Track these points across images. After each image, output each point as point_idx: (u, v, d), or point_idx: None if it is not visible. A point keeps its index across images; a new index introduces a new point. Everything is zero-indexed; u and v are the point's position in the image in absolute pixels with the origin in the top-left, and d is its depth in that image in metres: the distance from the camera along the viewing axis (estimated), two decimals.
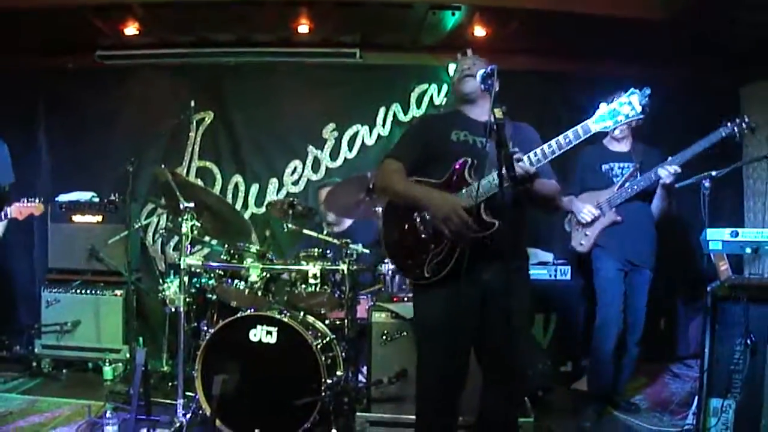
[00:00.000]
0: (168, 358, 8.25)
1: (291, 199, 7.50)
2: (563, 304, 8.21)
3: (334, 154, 9.70)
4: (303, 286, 6.68)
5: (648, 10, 7.73)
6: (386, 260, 6.48)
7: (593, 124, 4.45)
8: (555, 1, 7.80)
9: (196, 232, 6.52)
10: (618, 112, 4.43)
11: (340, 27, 9.03)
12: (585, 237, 7.14)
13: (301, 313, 6.81)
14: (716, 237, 6.05)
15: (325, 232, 7.58)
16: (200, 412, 6.33)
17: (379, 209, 6.58)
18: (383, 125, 9.63)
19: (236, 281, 6.74)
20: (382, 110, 9.60)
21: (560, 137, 4.50)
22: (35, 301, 8.88)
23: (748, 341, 5.90)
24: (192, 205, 6.34)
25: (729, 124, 6.25)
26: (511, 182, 4.22)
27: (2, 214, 7.23)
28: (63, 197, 8.82)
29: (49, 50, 9.42)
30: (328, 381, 6.09)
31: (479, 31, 8.38)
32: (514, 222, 4.63)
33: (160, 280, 7.90)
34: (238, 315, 6.38)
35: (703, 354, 6.11)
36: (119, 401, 6.88)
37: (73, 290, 8.52)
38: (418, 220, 4.70)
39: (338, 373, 6.46)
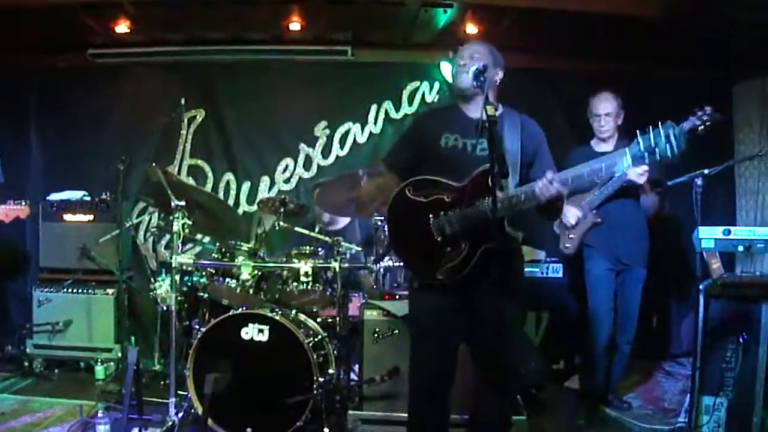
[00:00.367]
0: (160, 356, 8.24)
1: (283, 196, 7.48)
2: (555, 302, 8.24)
3: (326, 152, 9.70)
4: (295, 284, 6.65)
5: (641, 8, 7.72)
6: (380, 259, 6.47)
7: (630, 156, 4.50)
8: None
9: (187, 230, 6.50)
10: (655, 146, 4.40)
11: (332, 24, 9.02)
12: (570, 240, 7.16)
13: (293, 311, 6.79)
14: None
15: (317, 229, 7.56)
16: (192, 410, 6.30)
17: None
18: (375, 123, 9.63)
19: (228, 279, 6.72)
20: (373, 108, 9.61)
21: (595, 166, 4.59)
22: (27, 300, 8.84)
23: (740, 339, 5.93)
24: (183, 203, 6.33)
25: (691, 117, 6.23)
26: (540, 205, 4.42)
27: None
28: (54, 196, 8.81)
29: (40, 48, 9.41)
30: (320, 379, 6.07)
31: (471, 29, 8.36)
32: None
33: (152, 279, 7.89)
34: (230, 313, 6.36)
35: (695, 352, 6.13)
36: (111, 401, 6.86)
37: (65, 289, 8.49)
38: (432, 222, 4.66)
39: (330, 371, 6.45)
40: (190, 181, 9.39)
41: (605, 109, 7.01)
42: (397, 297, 6.37)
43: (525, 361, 7.08)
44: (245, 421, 6.08)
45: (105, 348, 8.31)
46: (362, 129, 9.66)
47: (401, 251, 4.99)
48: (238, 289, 6.69)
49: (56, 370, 8.35)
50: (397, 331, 6.20)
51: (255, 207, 9.41)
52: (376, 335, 6.25)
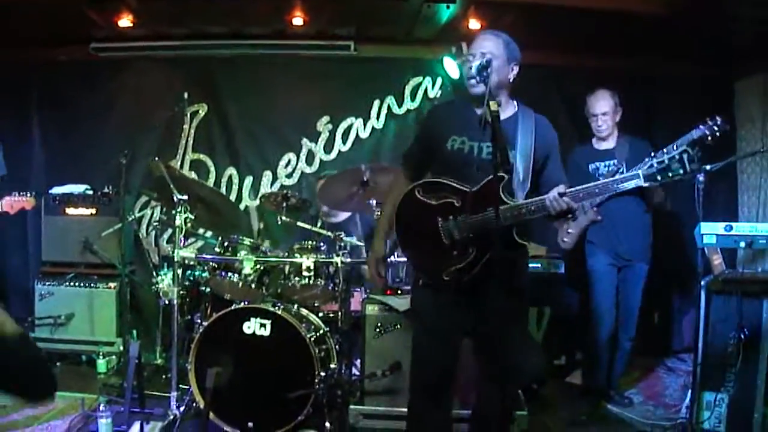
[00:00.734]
0: (162, 350, 8.25)
1: (285, 191, 7.49)
2: (557, 297, 8.24)
3: (328, 147, 9.70)
4: (297, 278, 6.67)
5: (644, 5, 7.73)
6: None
7: (643, 176, 4.45)
8: None
9: (189, 224, 6.50)
10: (669, 168, 4.33)
11: (335, 19, 9.01)
12: (568, 235, 7.16)
13: (295, 306, 6.80)
14: (710, 231, 6.07)
15: (319, 224, 7.57)
16: (194, 404, 6.32)
17: (374, 202, 6.61)
18: (377, 118, 9.63)
19: (230, 274, 6.73)
20: (376, 103, 9.61)
21: (608, 183, 4.59)
22: (29, 294, 8.84)
23: (741, 335, 5.93)
24: (185, 197, 6.34)
25: (701, 126, 6.24)
26: (551, 216, 4.43)
27: None
28: (56, 190, 8.81)
29: (43, 42, 9.40)
30: (322, 374, 6.07)
31: (474, 24, 8.34)
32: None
33: (154, 273, 7.91)
34: (232, 307, 6.37)
35: (696, 348, 6.14)
36: (113, 394, 6.86)
37: (67, 283, 8.49)
38: (441, 225, 4.66)
39: (332, 365, 6.47)
40: (193, 176, 9.39)
41: (602, 108, 7.00)
42: (399, 292, 6.38)
43: (527, 356, 7.10)
44: (247, 416, 6.08)
45: (107, 342, 8.31)
46: (365, 124, 9.67)
47: (408, 250, 4.96)
48: (240, 284, 6.71)
49: (58, 364, 8.35)
50: (398, 326, 6.22)
51: (257, 201, 9.43)
52: (377, 330, 6.27)
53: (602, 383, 7.20)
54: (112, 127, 9.63)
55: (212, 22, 9.11)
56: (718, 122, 6.19)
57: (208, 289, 7.13)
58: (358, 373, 6.61)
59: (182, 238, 6.42)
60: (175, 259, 6.36)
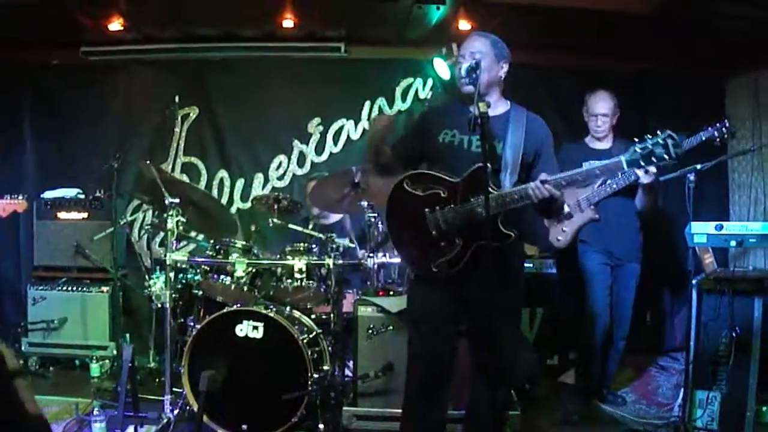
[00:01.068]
0: (155, 354, 8.24)
1: (276, 193, 7.50)
2: (549, 297, 8.26)
3: (319, 149, 9.72)
4: (289, 280, 6.68)
5: (635, 5, 7.74)
6: (371, 254, 6.49)
7: (625, 162, 4.50)
8: None
9: (181, 227, 6.50)
10: (651, 153, 4.38)
11: (325, 21, 9.03)
12: (562, 233, 7.16)
13: (287, 308, 6.80)
14: (701, 230, 6.10)
15: (311, 226, 7.57)
16: (188, 408, 6.33)
17: (365, 203, 6.63)
18: (368, 119, 9.62)
19: (222, 276, 6.76)
20: (367, 104, 9.62)
21: (590, 169, 4.68)
22: (21, 298, 8.83)
23: (733, 334, 5.95)
24: (177, 200, 6.33)
25: (710, 128, 6.27)
26: (535, 205, 4.52)
27: None
28: (48, 194, 8.82)
29: (34, 46, 9.39)
30: (315, 375, 6.11)
31: (464, 25, 8.36)
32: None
33: (146, 276, 7.88)
34: (225, 310, 6.38)
35: (688, 346, 6.17)
36: (107, 398, 6.86)
37: (60, 287, 8.49)
38: (427, 216, 4.70)
39: (325, 367, 6.47)
40: (184, 179, 9.39)
41: (602, 109, 6.99)
42: (391, 293, 6.39)
43: (519, 355, 7.11)
44: (240, 418, 6.10)
45: (100, 345, 8.30)
46: (356, 125, 9.68)
47: (398, 243, 4.99)
48: (233, 286, 6.72)
49: (51, 368, 8.37)
50: (391, 328, 6.21)
51: (249, 204, 9.45)
52: (370, 331, 6.26)
53: (595, 382, 7.21)
54: (104, 131, 9.62)
55: (202, 25, 9.11)
56: (727, 125, 6.24)
57: (200, 292, 7.11)
58: (351, 374, 6.60)
59: (174, 242, 6.39)
60: (168, 263, 6.34)
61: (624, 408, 7.22)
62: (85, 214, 8.67)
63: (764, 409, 6.18)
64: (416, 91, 9.64)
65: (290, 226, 7.27)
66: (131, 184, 9.36)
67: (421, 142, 4.97)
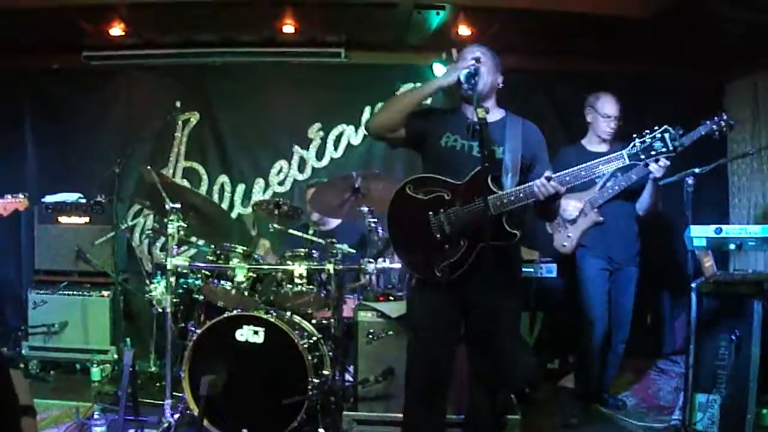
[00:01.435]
0: (156, 358, 8.26)
1: (277, 199, 7.51)
2: (549, 301, 8.26)
3: (319, 154, 9.71)
4: (289, 285, 6.67)
5: (631, 8, 7.76)
6: (371, 259, 6.50)
7: (627, 156, 4.60)
8: (539, 0, 7.83)
9: (182, 232, 6.51)
10: (651, 147, 4.53)
11: (326, 27, 9.04)
12: (567, 238, 7.15)
13: (288, 313, 6.82)
14: (700, 234, 6.10)
15: (311, 231, 7.58)
16: (188, 412, 6.33)
17: (365, 209, 6.63)
18: (366, 130, 9.56)
19: (223, 281, 6.74)
20: (367, 109, 9.59)
21: (592, 164, 4.72)
22: (22, 302, 8.86)
23: (733, 337, 5.98)
24: (178, 205, 6.35)
25: (708, 122, 6.28)
26: (538, 204, 4.59)
27: None
28: (49, 198, 8.83)
29: (35, 51, 9.41)
30: (315, 380, 6.12)
31: (464, 31, 8.37)
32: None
33: (147, 281, 7.89)
34: (225, 315, 6.39)
35: (688, 350, 6.17)
36: (107, 402, 6.86)
37: (60, 291, 8.51)
38: (431, 219, 4.71)
39: (325, 372, 6.49)
40: (185, 184, 9.39)
41: (614, 110, 6.98)
42: (391, 298, 6.40)
43: (519, 360, 7.11)
44: (241, 423, 6.09)
45: (101, 350, 8.33)
46: (356, 131, 9.67)
47: (400, 248, 4.97)
48: (233, 291, 6.71)
49: (52, 372, 8.38)
50: (391, 332, 6.21)
51: (249, 209, 9.45)
52: (370, 336, 6.27)
53: (595, 386, 7.22)
54: (105, 136, 9.64)
55: (203, 31, 9.13)
56: (725, 118, 6.24)
57: (201, 297, 7.12)
58: (351, 379, 6.59)
59: (175, 246, 6.41)
60: (168, 267, 6.35)
61: (624, 412, 7.23)
62: (86, 219, 8.68)
63: (764, 411, 6.23)
64: None
65: (291, 231, 7.28)
66: (132, 189, 9.37)
67: (421, 134, 4.97)
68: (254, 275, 6.81)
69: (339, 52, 9.49)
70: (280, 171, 9.71)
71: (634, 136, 4.61)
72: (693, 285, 6.14)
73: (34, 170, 9.59)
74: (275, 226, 7.20)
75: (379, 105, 9.33)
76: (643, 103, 9.16)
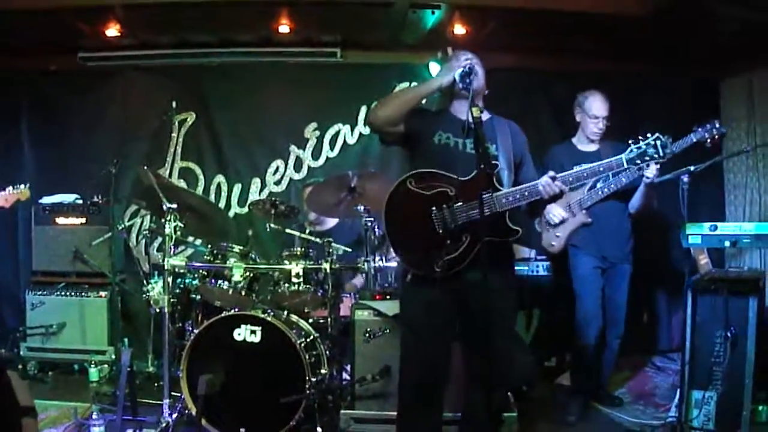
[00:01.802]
0: (153, 358, 8.28)
1: (273, 198, 7.52)
2: (545, 299, 8.28)
3: (316, 154, 9.72)
4: (286, 285, 6.69)
5: (627, 7, 7.77)
6: (368, 258, 6.51)
7: (625, 160, 4.76)
8: None
9: (179, 232, 6.52)
10: (645, 153, 4.72)
11: (321, 26, 9.05)
12: (556, 238, 7.16)
13: (285, 312, 6.83)
14: (695, 232, 6.11)
15: (307, 231, 7.59)
16: (186, 411, 6.34)
17: (361, 208, 6.65)
18: (364, 124, 9.58)
19: (220, 281, 6.75)
20: (363, 109, 9.58)
21: (594, 166, 4.89)
22: (20, 303, 8.88)
23: (729, 334, 6.00)
24: (175, 206, 6.35)
25: (700, 129, 6.29)
26: (543, 200, 4.69)
27: None
28: (46, 199, 8.85)
29: (32, 52, 9.41)
30: (313, 379, 6.12)
31: (459, 30, 8.40)
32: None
33: (144, 281, 7.88)
34: (222, 315, 6.40)
35: (684, 347, 6.20)
36: (105, 402, 6.86)
37: (58, 292, 8.53)
38: (434, 214, 4.73)
39: (322, 371, 6.50)
40: (182, 184, 9.42)
41: (604, 111, 6.94)
42: (388, 297, 6.41)
43: (516, 358, 7.12)
44: (239, 422, 6.11)
45: (98, 350, 8.34)
46: (352, 130, 9.67)
47: (398, 244, 4.92)
48: (231, 291, 6.72)
49: (50, 373, 8.40)
50: (388, 331, 6.23)
51: (246, 209, 9.47)
52: (367, 335, 6.28)
53: (591, 384, 7.24)
54: (101, 136, 9.64)
55: (199, 31, 9.13)
56: (717, 126, 6.25)
57: (198, 297, 7.14)
58: (348, 377, 6.60)
59: (172, 247, 6.41)
60: (166, 268, 6.36)
61: (621, 409, 7.25)
62: (83, 220, 8.71)
63: (760, 408, 6.26)
64: None
65: (287, 230, 7.29)
66: (129, 190, 9.35)
67: (413, 131, 4.98)
68: (251, 275, 6.82)
69: (335, 51, 9.51)
70: (276, 170, 9.72)
71: (630, 141, 4.73)
72: (688, 282, 6.16)
73: (31, 171, 9.56)
74: (272, 225, 7.21)
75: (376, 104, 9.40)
76: (639, 101, 9.19)
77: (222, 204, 9.59)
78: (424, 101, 5.12)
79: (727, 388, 6.04)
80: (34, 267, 8.90)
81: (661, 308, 9.64)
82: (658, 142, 4.64)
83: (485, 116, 4.96)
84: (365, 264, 6.50)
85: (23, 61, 9.53)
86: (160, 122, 9.10)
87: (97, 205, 8.57)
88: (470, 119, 4.35)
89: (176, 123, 9.59)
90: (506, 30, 8.48)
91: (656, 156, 4.65)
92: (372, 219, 6.55)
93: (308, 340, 6.52)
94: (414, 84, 8.72)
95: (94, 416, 6.01)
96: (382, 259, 6.49)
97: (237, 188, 9.73)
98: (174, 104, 8.56)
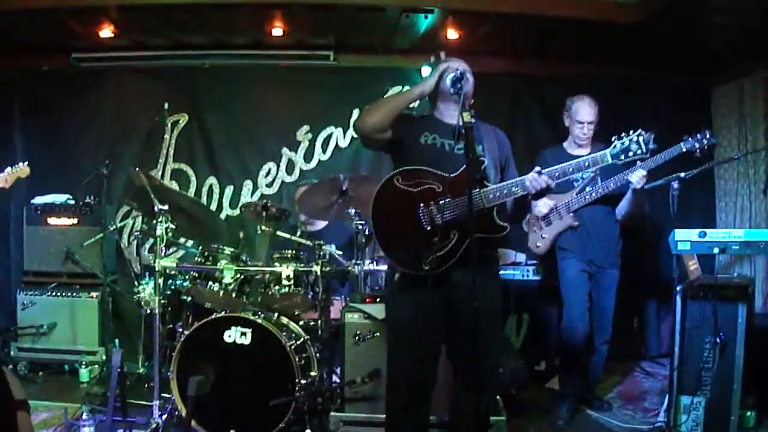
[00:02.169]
0: (144, 359, 8.28)
1: (265, 201, 7.52)
2: (535, 304, 8.30)
3: (308, 156, 9.73)
4: (277, 287, 6.70)
5: (619, 13, 7.80)
6: (359, 261, 6.52)
7: (609, 155, 4.84)
8: (526, 4, 7.85)
9: (170, 234, 6.53)
10: (629, 149, 4.79)
11: (314, 30, 9.05)
12: (542, 239, 7.17)
13: (275, 314, 6.84)
14: (684, 238, 6.13)
15: (299, 233, 7.60)
16: (176, 413, 6.35)
17: (352, 211, 6.66)
18: (353, 130, 9.58)
19: (210, 283, 6.76)
20: (356, 112, 9.52)
21: (579, 161, 4.92)
22: (11, 303, 8.87)
23: (717, 340, 6.02)
24: (166, 207, 6.37)
25: (690, 138, 6.29)
26: (530, 195, 4.77)
27: None
28: (38, 200, 8.85)
29: (24, 52, 9.42)
30: (303, 381, 6.13)
31: (452, 34, 8.43)
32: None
33: (136, 282, 7.88)
34: (213, 316, 6.41)
35: (673, 352, 6.22)
36: (96, 403, 6.85)
37: (49, 293, 8.52)
38: (422, 210, 4.74)
39: (312, 373, 6.50)
40: (174, 185, 9.43)
41: (590, 116, 6.92)
42: (378, 300, 6.42)
43: (505, 362, 7.14)
44: (228, 423, 6.11)
45: (89, 351, 8.34)
46: (344, 133, 9.68)
47: (386, 242, 4.90)
48: (221, 293, 6.73)
49: (41, 373, 8.39)
50: (377, 334, 6.23)
51: (238, 211, 9.47)
52: (357, 338, 6.29)
53: (580, 388, 7.24)
54: (94, 137, 9.65)
55: (192, 33, 9.13)
56: (707, 136, 6.26)
57: (189, 298, 7.13)
58: (338, 380, 6.62)
59: (163, 248, 6.44)
60: (157, 269, 6.38)
61: (610, 413, 7.25)
62: (75, 220, 8.70)
63: (748, 413, 6.27)
64: None
65: (278, 233, 7.30)
66: (121, 191, 9.37)
67: (399, 136, 4.99)
68: (242, 277, 6.83)
69: (328, 54, 9.53)
70: (268, 173, 9.73)
71: (614, 138, 4.84)
72: (678, 288, 6.19)
73: None
74: (263, 227, 7.22)
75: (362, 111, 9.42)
76: (631, 107, 9.20)
77: (214, 206, 9.61)
78: (415, 104, 5.15)
79: (716, 393, 6.08)
80: (25, 267, 8.88)
81: (651, 313, 9.65)
82: (641, 138, 4.72)
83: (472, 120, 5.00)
84: (355, 267, 6.52)
85: (16, 61, 9.54)
86: (153, 124, 9.10)
87: (89, 206, 8.57)
88: (461, 123, 4.37)
89: (169, 124, 9.59)
90: (498, 35, 8.51)
91: (639, 152, 4.73)
92: (363, 222, 6.56)
93: (298, 342, 6.52)
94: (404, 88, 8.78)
95: (84, 417, 6.01)
96: (372, 263, 6.50)
97: (229, 190, 9.74)
98: (167, 106, 8.56)
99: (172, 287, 7.21)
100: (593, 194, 6.83)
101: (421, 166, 4.80)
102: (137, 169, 6.66)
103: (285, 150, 9.72)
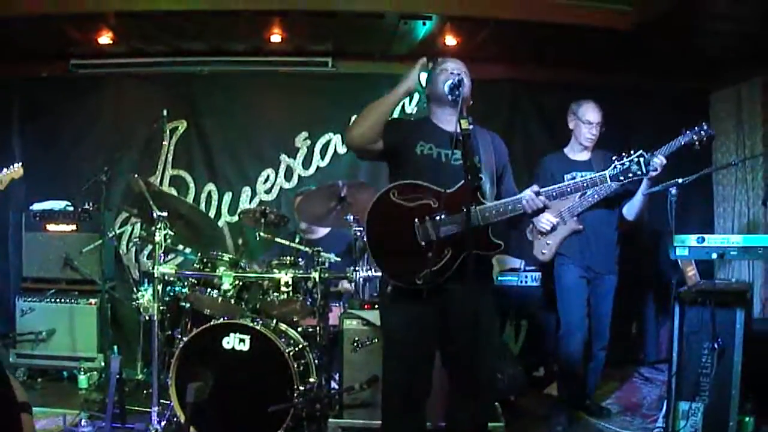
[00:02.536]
0: (143, 366, 8.26)
1: (263, 207, 7.52)
2: (534, 310, 8.29)
3: (306, 163, 9.74)
4: (275, 294, 6.69)
5: (616, 19, 7.81)
6: (357, 268, 6.52)
7: (609, 176, 4.79)
8: (525, 10, 7.86)
9: (169, 240, 6.53)
10: (629, 170, 4.74)
11: (313, 36, 9.06)
12: (546, 246, 7.15)
13: (274, 321, 6.82)
14: (683, 243, 6.15)
15: (297, 240, 7.61)
16: (175, 419, 6.35)
17: (351, 218, 6.66)
18: (343, 144, 9.63)
19: (209, 289, 6.75)
20: (354, 118, 9.54)
21: (578, 181, 4.88)
22: (10, 310, 8.85)
23: (716, 345, 6.02)
24: (165, 214, 6.36)
25: (688, 132, 6.29)
26: (527, 214, 4.71)
27: None
28: (37, 206, 8.85)
29: (23, 58, 9.43)
30: (301, 388, 6.14)
31: (450, 41, 8.43)
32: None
33: (134, 289, 7.85)
34: (212, 323, 6.41)
35: (671, 358, 6.22)
36: (94, 409, 6.86)
37: (48, 299, 8.50)
38: (417, 226, 4.70)
39: (311, 379, 6.51)
40: (173, 192, 9.42)
41: (597, 117, 6.92)
42: (376, 306, 6.42)
43: (503, 368, 7.14)
44: (227, 430, 6.15)
45: (88, 357, 8.32)
46: (343, 140, 9.62)
47: (380, 255, 4.89)
48: (220, 299, 6.72)
49: (39, 380, 8.38)
50: (376, 340, 6.24)
51: (236, 217, 9.47)
52: (355, 344, 6.30)
53: (578, 394, 7.23)
54: (93, 144, 9.66)
55: (191, 39, 9.14)
56: (705, 128, 6.26)
57: (188, 305, 7.13)
58: (336, 386, 6.62)
59: (162, 254, 6.43)
60: (155, 275, 6.37)
61: (608, 419, 7.24)
62: (73, 227, 8.69)
63: (746, 419, 6.25)
64: (403, 106, 9.60)
65: (277, 239, 7.30)
66: (120, 197, 9.38)
67: (393, 144, 4.99)
68: (240, 283, 6.82)
69: (326, 61, 9.55)
70: (267, 179, 9.74)
71: (614, 158, 4.77)
72: (676, 294, 6.19)
73: (21, 178, 9.56)
74: (261, 234, 7.22)
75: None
76: (629, 113, 9.22)
77: (212, 212, 9.62)
78: (414, 110, 5.15)
79: (714, 399, 6.07)
80: (24, 273, 8.86)
81: (649, 319, 9.65)
82: (642, 159, 4.66)
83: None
84: (354, 273, 6.52)
85: (15, 67, 9.55)
86: (151, 130, 9.07)
87: (88, 212, 8.56)
88: (459, 131, 4.35)
89: (167, 131, 9.56)
90: (497, 41, 8.52)
91: (639, 173, 4.69)
92: (361, 228, 6.55)
93: (297, 348, 6.52)
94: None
95: (82, 423, 6.04)
96: (371, 269, 6.50)
97: (227, 197, 9.74)
98: (165, 112, 8.51)
99: (171, 294, 7.19)
100: (595, 196, 6.82)
101: (417, 181, 4.76)
102: (136, 175, 6.66)
103: (284, 156, 9.73)
